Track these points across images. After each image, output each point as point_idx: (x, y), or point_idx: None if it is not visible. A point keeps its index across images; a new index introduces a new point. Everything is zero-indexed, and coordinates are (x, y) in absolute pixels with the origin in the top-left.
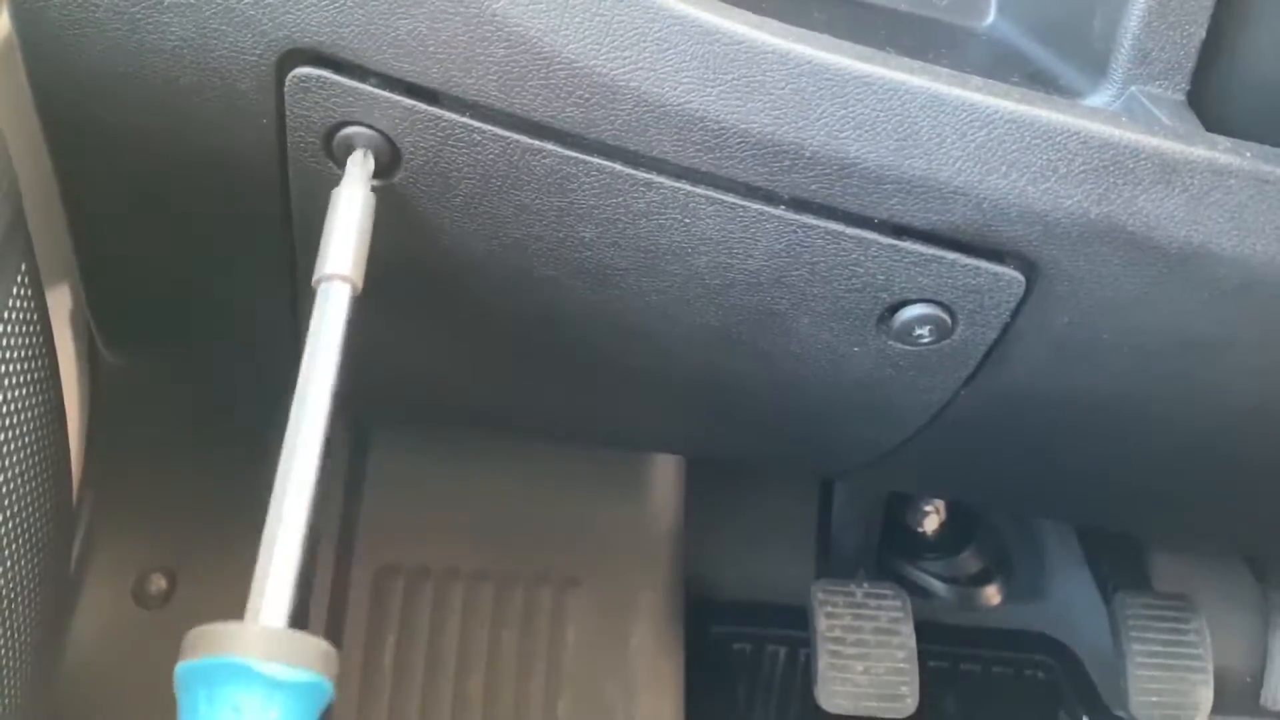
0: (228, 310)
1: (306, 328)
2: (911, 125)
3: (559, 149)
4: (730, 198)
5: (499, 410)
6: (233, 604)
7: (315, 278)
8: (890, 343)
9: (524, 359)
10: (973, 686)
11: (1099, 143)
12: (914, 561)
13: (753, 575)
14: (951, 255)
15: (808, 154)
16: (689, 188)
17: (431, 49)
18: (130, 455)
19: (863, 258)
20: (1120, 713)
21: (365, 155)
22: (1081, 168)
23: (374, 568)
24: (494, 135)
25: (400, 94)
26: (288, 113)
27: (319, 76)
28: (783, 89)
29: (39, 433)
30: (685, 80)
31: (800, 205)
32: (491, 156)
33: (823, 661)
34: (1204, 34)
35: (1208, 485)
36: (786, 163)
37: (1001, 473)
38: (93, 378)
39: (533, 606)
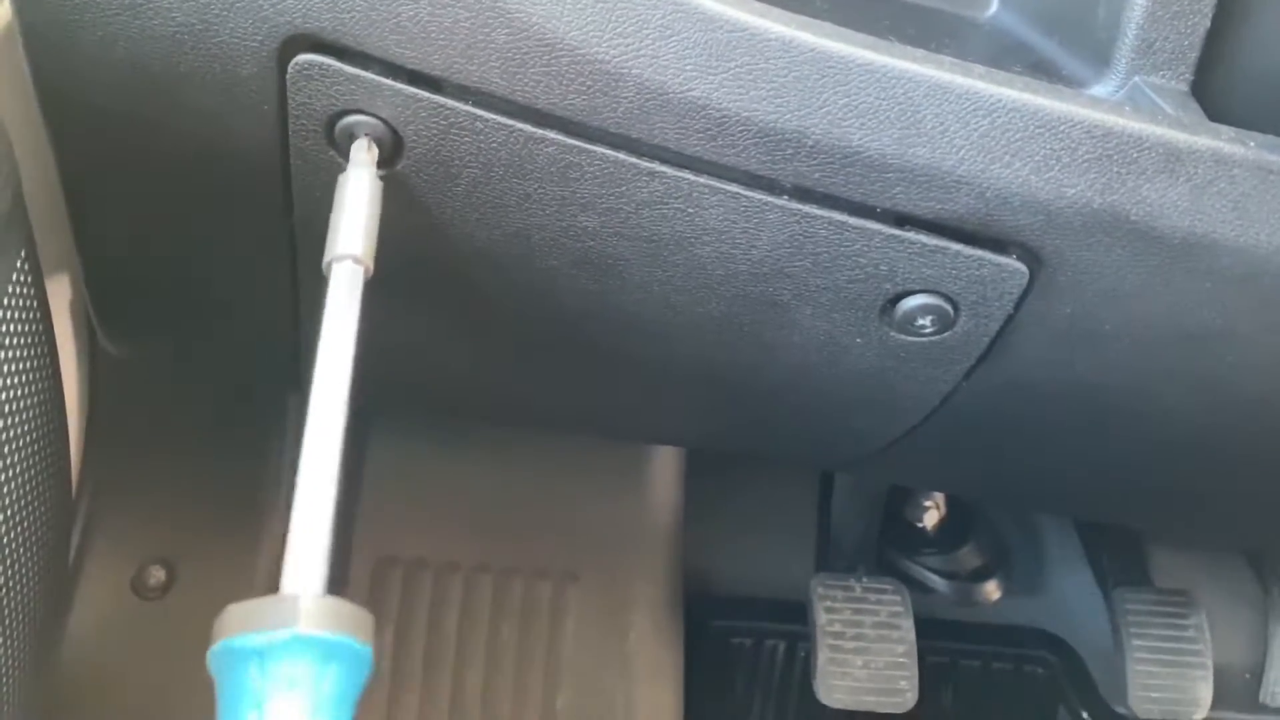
0: (228, 301)
1: (307, 318)
2: (915, 114)
3: (562, 137)
4: (733, 187)
5: (499, 400)
6: (233, 594)
7: (326, 259)
8: (892, 334)
9: (525, 349)
10: (972, 682)
11: (1102, 132)
12: (914, 556)
13: (752, 569)
14: (955, 246)
15: (810, 142)
16: (692, 177)
17: (434, 35)
18: (130, 446)
19: (865, 248)
20: (1120, 708)
21: (368, 143)
22: (1085, 157)
23: (372, 560)
24: (497, 124)
25: (403, 82)
26: (290, 100)
27: (321, 64)
28: (785, 77)
29: (38, 423)
30: (688, 67)
31: (803, 194)
32: (494, 145)
33: (822, 656)
34: (1208, 24)
35: (1209, 478)
36: (789, 151)
37: (1002, 465)
38: (92, 368)
39: (532, 599)
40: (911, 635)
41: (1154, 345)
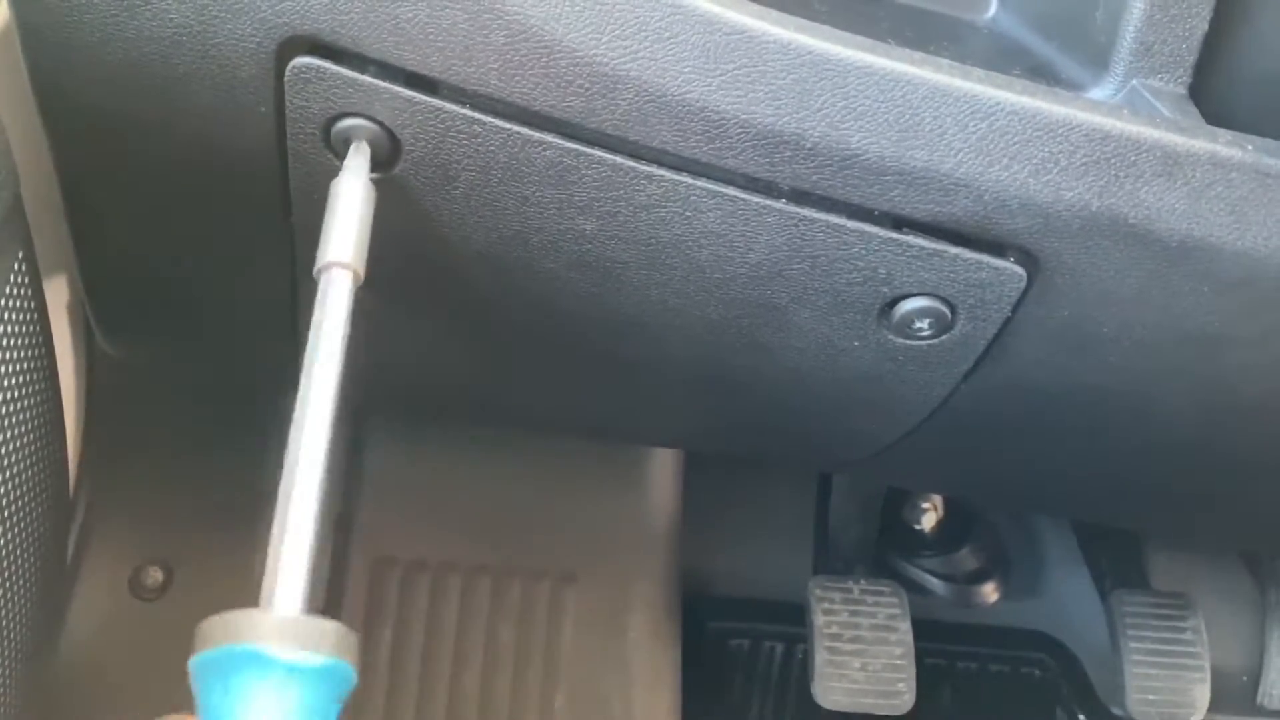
0: (226, 302)
1: (305, 320)
2: (913, 116)
3: (560, 141)
4: (731, 190)
5: (497, 403)
6: (230, 596)
7: (316, 267)
8: (890, 337)
9: (523, 352)
10: (969, 684)
11: (1100, 135)
12: (911, 558)
13: (750, 571)
14: (953, 249)
15: (809, 144)
16: (690, 180)
17: (431, 36)
18: (127, 447)
19: (863, 251)
20: (1117, 711)
21: (365, 147)
22: (1083, 160)
23: (370, 560)
24: (494, 127)
25: (400, 84)
26: (287, 103)
27: (318, 67)
28: (784, 79)
29: (36, 424)
30: (686, 69)
31: (801, 197)
32: (492, 148)
33: (820, 658)
34: (1206, 27)
35: (1206, 480)
36: (787, 153)
37: (1000, 467)
38: (90, 369)
39: (530, 600)
40: (909, 637)
41: (1152, 348)
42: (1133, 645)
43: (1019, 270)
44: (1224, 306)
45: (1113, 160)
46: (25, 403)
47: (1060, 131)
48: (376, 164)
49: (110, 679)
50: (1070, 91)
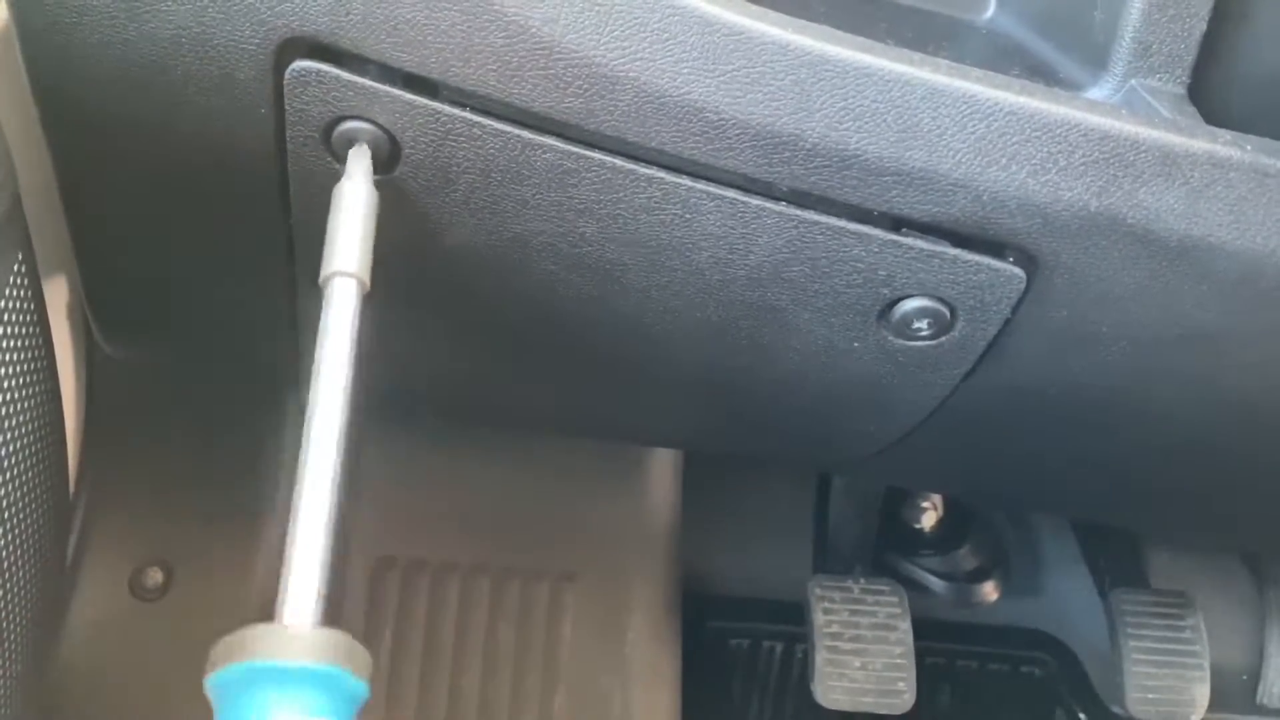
0: (226, 303)
1: (305, 321)
2: (912, 117)
3: (559, 144)
4: (730, 193)
5: (497, 403)
6: (229, 597)
7: (322, 275)
8: (890, 338)
9: (523, 354)
10: (969, 683)
11: (1099, 135)
12: (911, 557)
13: (750, 570)
14: (952, 250)
15: (807, 145)
16: (689, 183)
17: (430, 38)
18: (127, 448)
19: (862, 253)
20: (1117, 709)
21: (365, 150)
22: (1082, 160)
23: (370, 560)
24: (494, 129)
25: (399, 87)
26: (287, 106)
27: (318, 70)
28: (782, 80)
29: (36, 425)
30: (685, 70)
31: (800, 198)
32: (492, 151)
33: (820, 657)
34: (1204, 27)
35: (1205, 479)
36: (786, 154)
37: (1000, 466)
38: (90, 370)
39: (529, 600)
40: (909, 636)
41: (1151, 347)
42: (1132, 644)
43: (1018, 271)
44: (1223, 306)
45: (1111, 160)
46: (25, 404)
47: (1059, 132)
48: (376, 167)
49: (110, 679)
50: (1069, 92)
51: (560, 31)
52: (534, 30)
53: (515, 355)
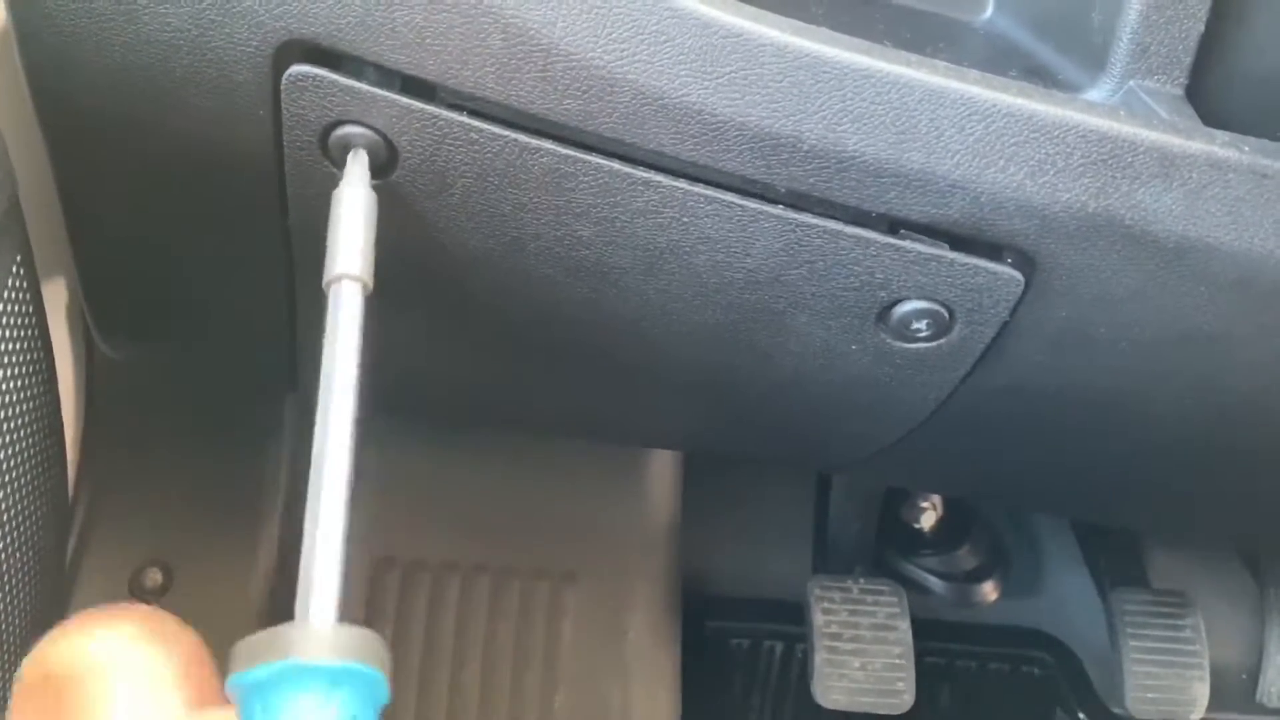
0: (225, 304)
1: (304, 322)
2: (910, 118)
3: (557, 147)
4: (728, 196)
5: (496, 405)
6: (229, 597)
7: (326, 279)
8: (888, 340)
9: (521, 356)
10: (969, 683)
11: (1097, 137)
12: (911, 557)
13: (749, 570)
14: (950, 253)
15: (805, 147)
16: (687, 186)
17: (428, 40)
18: (126, 449)
19: (861, 255)
20: (1116, 709)
21: (363, 155)
22: (1080, 162)
23: (370, 560)
24: (491, 133)
25: (396, 91)
26: (284, 111)
27: (315, 75)
28: (780, 81)
29: (35, 426)
30: (683, 72)
31: (798, 200)
32: (489, 155)
33: (819, 657)
34: (1202, 28)
35: (1205, 479)
36: (784, 155)
37: (999, 467)
38: (89, 371)
39: (529, 600)
40: (908, 636)
41: (1149, 348)
42: (1132, 644)
43: (1017, 275)
44: (1222, 306)
45: (1110, 162)
46: (24, 405)
47: (1057, 133)
48: (374, 171)
49: None
50: (1067, 93)
51: (558, 33)
52: (532, 32)
53: (513, 358)
